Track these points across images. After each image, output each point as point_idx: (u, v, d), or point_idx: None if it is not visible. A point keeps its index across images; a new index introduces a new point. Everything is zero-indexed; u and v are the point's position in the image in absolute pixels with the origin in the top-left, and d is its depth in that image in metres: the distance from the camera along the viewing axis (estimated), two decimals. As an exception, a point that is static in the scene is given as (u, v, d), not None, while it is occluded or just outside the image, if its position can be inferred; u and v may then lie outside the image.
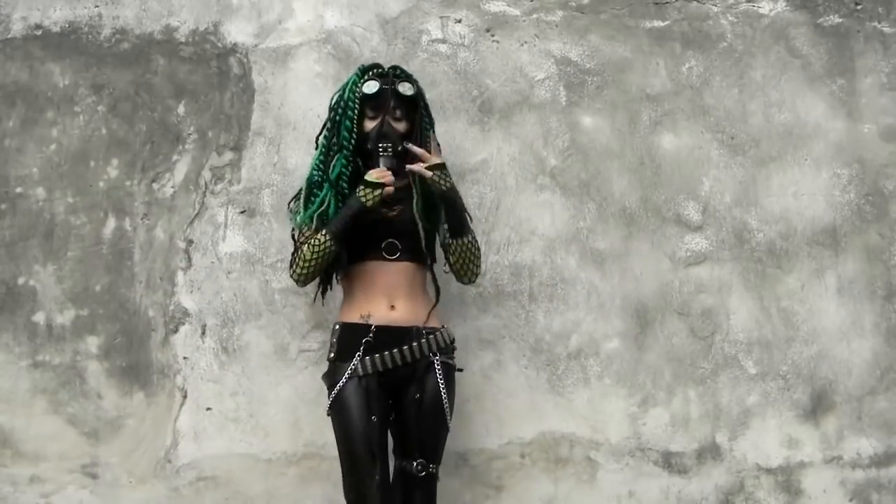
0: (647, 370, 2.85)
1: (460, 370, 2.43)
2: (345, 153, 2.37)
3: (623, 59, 3.03)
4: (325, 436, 2.68)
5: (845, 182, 3.04)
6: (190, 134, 2.84)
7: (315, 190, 2.39)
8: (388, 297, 2.31)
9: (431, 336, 2.31)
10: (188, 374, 2.70)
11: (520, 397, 2.78)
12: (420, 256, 2.39)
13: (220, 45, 2.90)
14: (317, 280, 2.45)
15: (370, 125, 2.38)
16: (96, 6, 2.91)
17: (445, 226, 2.40)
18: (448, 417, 2.30)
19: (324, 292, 2.56)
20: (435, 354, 2.30)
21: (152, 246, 2.77)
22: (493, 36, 3.00)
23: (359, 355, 2.24)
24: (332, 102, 2.45)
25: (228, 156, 2.83)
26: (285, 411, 2.70)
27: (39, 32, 2.88)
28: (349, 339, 2.29)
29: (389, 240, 2.33)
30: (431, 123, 2.49)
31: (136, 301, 2.74)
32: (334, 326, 2.35)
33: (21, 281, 2.73)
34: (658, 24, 3.07)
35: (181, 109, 2.86)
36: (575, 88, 2.99)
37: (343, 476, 2.26)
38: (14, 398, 2.67)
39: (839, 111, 3.09)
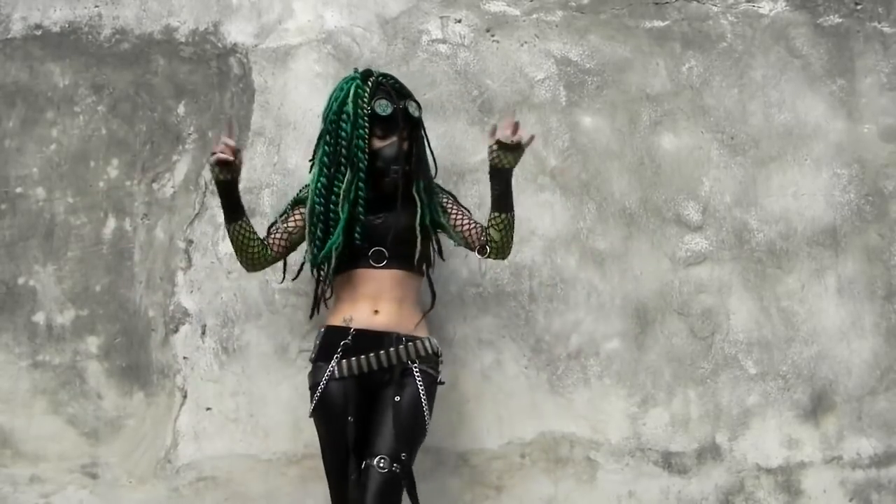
0: (647, 370, 2.85)
1: (441, 383, 2.40)
2: (360, 175, 2.29)
3: (623, 59, 3.03)
4: (325, 436, 2.68)
5: (845, 182, 3.04)
6: (190, 134, 2.84)
7: (320, 219, 2.32)
8: (372, 303, 2.32)
9: (411, 343, 2.30)
10: (188, 374, 2.70)
11: (520, 397, 2.78)
12: (410, 264, 2.37)
13: (220, 45, 2.90)
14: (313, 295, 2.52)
15: (378, 144, 2.33)
16: (96, 6, 2.91)
17: (495, 199, 2.32)
18: (426, 423, 2.27)
19: (316, 307, 2.55)
20: (413, 362, 2.29)
21: (152, 246, 2.77)
22: (493, 36, 3.00)
23: (336, 357, 2.26)
24: (331, 113, 2.35)
25: (228, 156, 2.83)
26: (285, 411, 2.70)
27: (39, 32, 2.88)
28: (330, 341, 2.30)
29: (376, 248, 2.33)
30: (428, 142, 2.49)
31: (136, 301, 2.74)
32: (319, 329, 2.38)
33: (21, 281, 2.73)
34: (658, 24, 3.07)
35: (181, 109, 2.85)
36: (575, 88, 2.99)
37: (327, 475, 2.27)
38: (14, 398, 2.67)
39: (839, 111, 3.09)
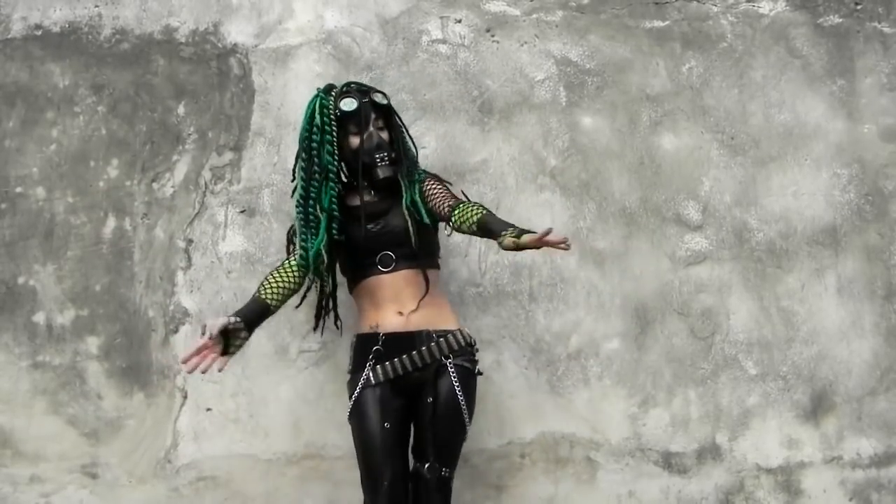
0: (647, 370, 2.85)
1: (480, 373, 2.38)
2: (332, 177, 2.36)
3: (623, 60, 3.03)
4: (326, 436, 2.68)
5: (845, 182, 3.04)
6: (190, 134, 2.84)
7: (304, 229, 2.37)
8: (394, 305, 2.32)
9: (442, 339, 2.30)
10: (188, 374, 2.70)
11: (520, 397, 2.78)
12: (419, 261, 2.36)
13: (220, 45, 2.91)
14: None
15: (356, 141, 2.37)
16: (96, 6, 2.91)
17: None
18: (466, 421, 2.29)
19: (319, 318, 2.58)
20: (447, 357, 2.28)
21: (152, 246, 2.77)
22: (493, 36, 3.00)
23: (369, 365, 2.27)
24: (303, 132, 2.39)
25: (228, 156, 2.83)
26: (285, 412, 2.70)
27: (39, 32, 2.88)
28: (361, 349, 2.31)
29: (383, 252, 2.34)
30: (406, 128, 2.50)
31: (136, 301, 2.74)
32: (352, 340, 2.39)
33: (21, 281, 2.73)
34: (658, 24, 3.07)
35: (181, 109, 2.86)
36: (575, 89, 2.99)
37: (361, 480, 2.26)
38: (14, 398, 2.67)
39: (839, 111, 3.09)
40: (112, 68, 2.87)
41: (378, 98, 2.41)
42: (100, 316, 2.72)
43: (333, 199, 2.36)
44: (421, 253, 2.36)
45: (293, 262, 2.36)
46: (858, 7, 3.18)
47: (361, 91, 2.41)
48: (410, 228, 2.34)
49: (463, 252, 2.81)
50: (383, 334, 2.29)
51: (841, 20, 3.16)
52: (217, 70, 2.88)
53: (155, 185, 2.81)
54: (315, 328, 2.60)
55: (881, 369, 2.95)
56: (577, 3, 3.05)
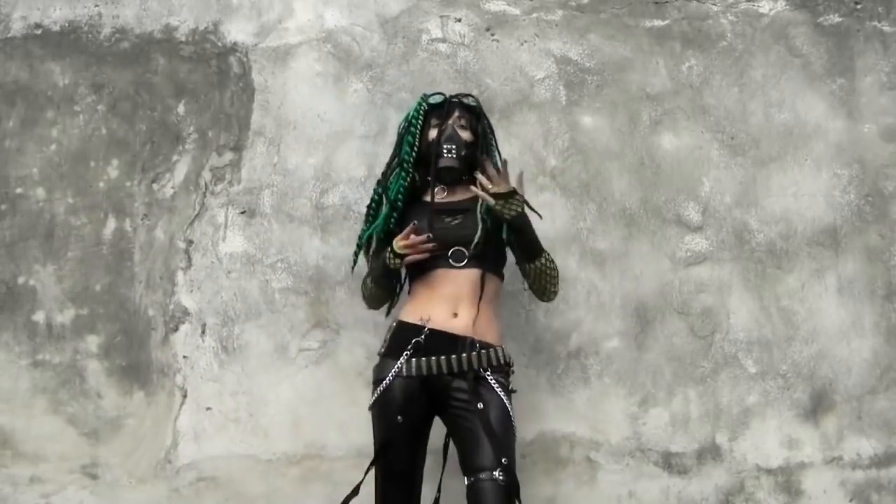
0: (647, 370, 2.85)
1: (514, 391, 2.32)
2: (405, 167, 2.40)
3: (623, 59, 3.03)
4: (326, 436, 2.68)
5: (845, 182, 3.04)
6: (190, 134, 2.84)
7: (373, 208, 2.45)
8: (451, 304, 2.27)
9: (485, 351, 2.23)
10: (188, 373, 2.70)
11: (520, 397, 2.77)
12: (489, 265, 2.34)
13: (220, 44, 2.90)
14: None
15: (433, 133, 2.40)
16: (96, 6, 2.91)
17: (518, 251, 2.40)
18: (515, 430, 2.21)
19: (390, 306, 2.57)
20: (486, 370, 2.22)
21: (152, 246, 2.77)
22: (493, 35, 2.99)
23: (406, 354, 2.21)
24: (400, 128, 2.50)
25: (228, 156, 2.83)
26: (285, 411, 2.70)
27: (39, 32, 2.88)
28: (401, 336, 2.25)
29: (457, 247, 2.30)
30: (495, 137, 2.54)
31: (136, 301, 2.74)
32: (391, 324, 2.33)
33: (21, 281, 2.73)
34: (658, 23, 3.07)
35: (181, 109, 2.85)
36: (575, 88, 2.99)
37: (375, 469, 2.21)
38: (14, 398, 2.67)
39: (839, 111, 3.09)
40: (112, 67, 2.87)
41: (468, 100, 2.47)
42: (100, 315, 2.72)
43: (401, 190, 2.38)
44: (488, 257, 2.34)
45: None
46: (858, 6, 3.18)
47: (456, 95, 2.50)
48: (479, 234, 2.30)
49: (463, 252, 2.81)
50: (429, 329, 2.23)
51: (841, 19, 3.16)
52: (217, 69, 2.88)
53: (155, 186, 2.81)
54: (387, 314, 2.59)
55: (881, 369, 2.95)
56: (576, 3, 3.05)
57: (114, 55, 2.88)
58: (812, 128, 3.06)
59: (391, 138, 2.72)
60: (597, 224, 2.91)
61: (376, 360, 2.31)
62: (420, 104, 2.46)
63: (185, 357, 2.71)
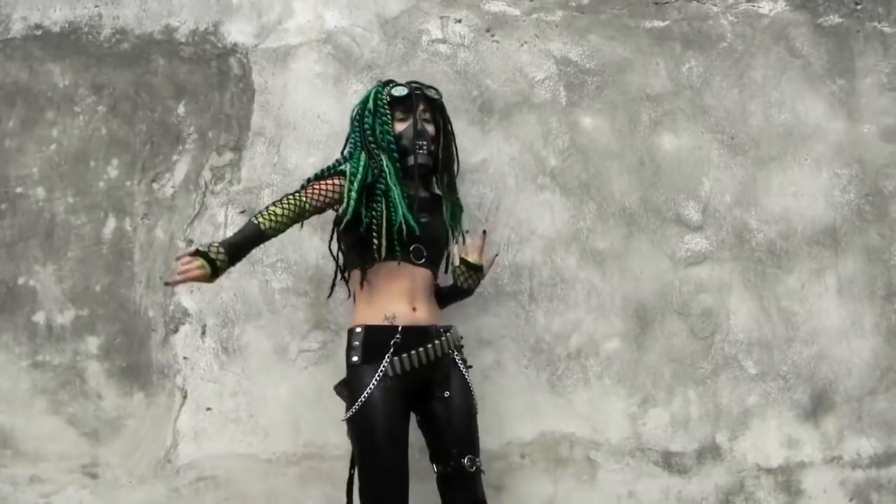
0: (647, 370, 2.85)
1: (470, 366, 2.44)
2: (392, 154, 2.36)
3: (623, 60, 3.03)
4: (325, 436, 2.68)
5: (845, 182, 3.04)
6: (190, 134, 2.84)
7: (377, 196, 2.32)
8: (410, 299, 2.32)
9: (448, 334, 2.36)
10: (188, 374, 2.70)
11: (520, 397, 2.78)
12: (438, 265, 2.49)
13: (220, 45, 2.90)
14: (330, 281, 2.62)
15: (400, 127, 2.40)
16: (96, 6, 2.91)
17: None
18: (477, 411, 2.36)
19: (332, 289, 2.64)
20: (454, 351, 2.36)
21: (152, 246, 2.77)
22: (493, 36, 3.00)
23: (388, 356, 2.22)
24: (355, 113, 2.47)
25: (228, 156, 2.83)
26: (285, 411, 2.70)
27: (39, 32, 2.88)
28: (375, 340, 2.25)
29: (417, 245, 2.35)
30: (453, 133, 2.56)
31: (136, 301, 2.74)
32: (354, 330, 2.29)
33: (21, 281, 2.73)
34: (658, 24, 3.07)
35: (181, 109, 2.86)
36: (575, 88, 2.99)
37: (364, 477, 2.18)
38: (14, 398, 2.67)
39: (839, 111, 3.09)
40: (112, 68, 2.87)
41: (430, 93, 2.47)
42: (100, 316, 2.72)
43: (396, 175, 2.34)
44: (440, 258, 2.49)
45: (302, 197, 2.27)
46: (858, 7, 3.18)
47: (416, 85, 2.47)
48: (450, 234, 2.50)
49: (463, 252, 2.81)
50: (401, 327, 2.25)
51: (841, 20, 3.16)
52: (217, 70, 2.88)
53: (155, 186, 2.81)
54: (328, 297, 2.65)
55: (881, 369, 2.95)
56: (576, 3, 3.05)
57: (114, 56, 2.88)
58: (812, 128, 3.06)
59: (391, 138, 2.72)
60: (597, 224, 2.91)
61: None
62: (380, 94, 2.42)
63: (185, 358, 2.71)
